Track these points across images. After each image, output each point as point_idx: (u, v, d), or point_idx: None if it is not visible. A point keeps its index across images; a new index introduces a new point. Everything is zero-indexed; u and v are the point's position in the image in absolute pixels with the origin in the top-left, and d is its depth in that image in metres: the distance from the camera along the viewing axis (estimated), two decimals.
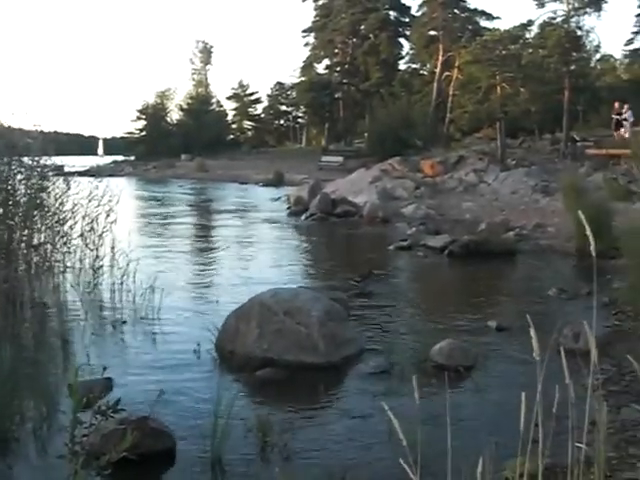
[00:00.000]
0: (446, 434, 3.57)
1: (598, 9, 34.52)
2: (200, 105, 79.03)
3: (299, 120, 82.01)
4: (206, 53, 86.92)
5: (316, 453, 5.63)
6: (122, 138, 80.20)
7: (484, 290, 12.48)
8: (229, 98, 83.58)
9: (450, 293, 12.73)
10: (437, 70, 50.36)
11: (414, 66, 64.73)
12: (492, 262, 14.88)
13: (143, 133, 75.89)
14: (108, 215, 12.13)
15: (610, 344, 8.36)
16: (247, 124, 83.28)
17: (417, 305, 11.39)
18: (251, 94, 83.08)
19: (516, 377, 7.25)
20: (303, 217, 24.07)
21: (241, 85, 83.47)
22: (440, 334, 8.59)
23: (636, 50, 35.16)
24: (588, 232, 3.19)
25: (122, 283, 10.90)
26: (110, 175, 48.44)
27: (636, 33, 34.39)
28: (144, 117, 76.63)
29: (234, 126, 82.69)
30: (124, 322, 9.44)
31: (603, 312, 10.06)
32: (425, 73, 59.81)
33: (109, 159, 69.29)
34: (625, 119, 32.56)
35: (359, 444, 5.80)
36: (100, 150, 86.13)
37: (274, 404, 6.77)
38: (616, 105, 34.76)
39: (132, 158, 70.03)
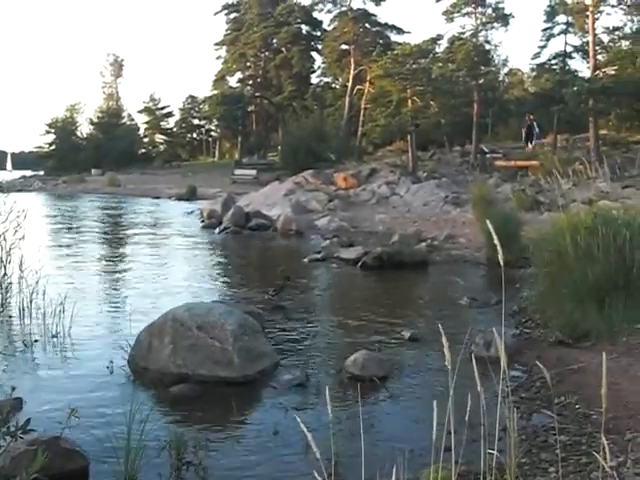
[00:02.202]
0: (359, 445, 3.58)
1: (505, 24, 35.45)
2: (111, 119, 78.12)
3: (212, 133, 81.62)
4: (117, 66, 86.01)
5: (232, 470, 5.59)
6: (31, 153, 78.62)
7: (397, 301, 12.61)
8: (141, 112, 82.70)
9: (364, 304, 12.80)
10: (349, 84, 50.74)
11: (326, 80, 65.20)
12: (405, 273, 15.05)
13: (53, 147, 74.55)
14: (16, 231, 11.80)
15: (520, 351, 8.54)
16: (159, 138, 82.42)
17: (332, 317, 11.43)
18: (163, 107, 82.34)
19: (429, 386, 7.35)
20: (217, 231, 23.95)
21: (152, 98, 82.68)
22: (355, 345, 8.65)
23: (543, 64, 35.99)
24: (496, 242, 3.25)
25: (32, 301, 10.59)
26: (19, 190, 47.38)
27: (542, 47, 35.20)
28: (53, 131, 75.26)
29: (146, 140, 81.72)
30: (35, 341, 9.20)
31: (512, 320, 10.28)
32: (337, 87, 60.23)
33: (18, 174, 67.76)
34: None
35: (275, 459, 5.78)
36: (8, 165, 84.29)
37: (189, 420, 6.68)
38: (526, 118, 35.73)
39: (41, 173, 68.64)
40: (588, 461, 5.21)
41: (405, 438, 6.04)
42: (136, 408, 5.82)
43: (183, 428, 6.25)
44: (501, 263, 3.31)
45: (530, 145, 34.04)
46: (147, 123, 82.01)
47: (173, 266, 16.53)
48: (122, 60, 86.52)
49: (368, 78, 43.85)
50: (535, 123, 33.70)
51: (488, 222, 3.65)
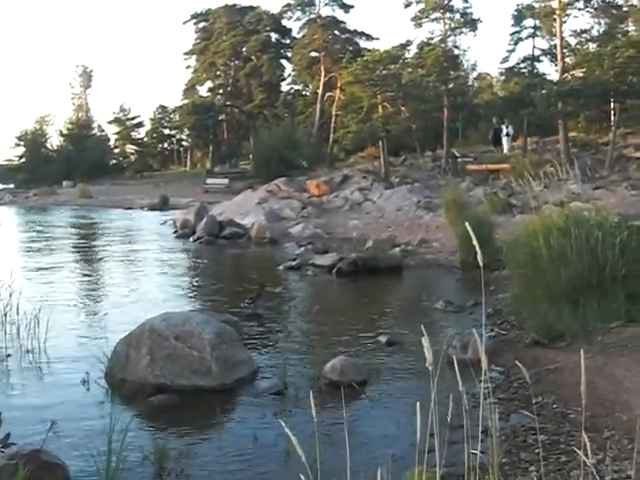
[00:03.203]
0: (342, 450, 3.61)
1: (474, 29, 35.68)
2: (81, 130, 77.50)
3: (183, 143, 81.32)
4: (86, 77, 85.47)
5: (212, 478, 5.60)
6: (1, 166, 77.89)
7: (373, 306, 12.64)
8: (111, 122, 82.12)
9: (340, 310, 12.83)
10: (319, 91, 50.81)
11: (297, 87, 65.25)
12: (380, 278, 15.10)
13: (22, 160, 73.89)
14: None
15: (497, 353, 8.60)
16: (130, 148, 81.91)
17: (309, 324, 11.45)
18: (133, 118, 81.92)
19: (408, 390, 7.40)
20: (191, 240, 23.92)
21: (122, 109, 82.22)
22: (332, 351, 8.66)
23: (511, 67, 36.27)
24: (475, 243, 3.28)
25: (5, 315, 10.49)
26: None
27: (511, 51, 35.49)
28: (23, 144, 74.68)
29: (117, 151, 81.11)
30: (8, 355, 9.11)
31: (488, 322, 10.34)
32: (308, 94, 60.23)
33: None
34: (507, 134, 33.71)
35: (256, 466, 5.79)
36: None
37: (169, 430, 6.67)
38: (493, 121, 35.98)
39: (12, 186, 68.03)
40: (567, 459, 5.27)
41: (386, 442, 6.07)
42: (116, 419, 5.80)
43: (164, 438, 6.25)
44: (480, 264, 3.35)
45: (505, 147, 34.20)
46: (117, 134, 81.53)
47: (148, 277, 16.46)
48: (91, 71, 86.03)
49: (338, 85, 43.97)
50: (508, 125, 33.86)
51: (467, 225, 3.69)
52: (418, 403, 3.27)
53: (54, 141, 78.01)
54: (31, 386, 7.95)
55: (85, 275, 17.32)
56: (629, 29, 34.49)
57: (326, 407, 6.84)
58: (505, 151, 33.33)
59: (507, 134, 33.85)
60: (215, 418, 6.81)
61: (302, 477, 3.05)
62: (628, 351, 7.59)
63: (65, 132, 77.67)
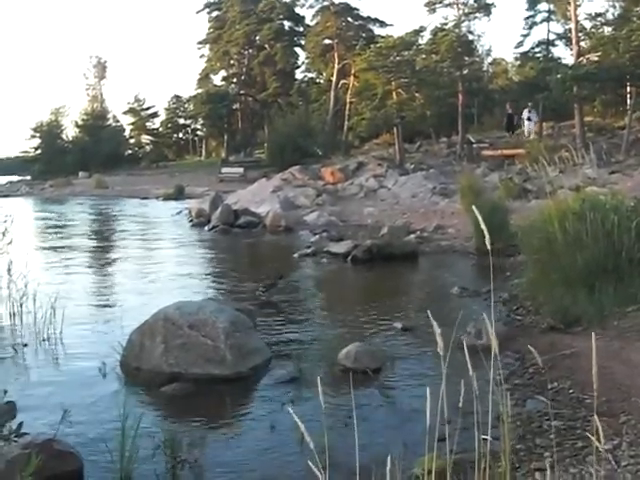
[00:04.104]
0: (353, 438, 3.58)
1: (488, 13, 35.43)
2: (96, 121, 77.52)
3: (198, 133, 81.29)
4: (100, 68, 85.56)
5: (227, 467, 5.58)
6: (17, 158, 78.17)
7: (388, 293, 12.62)
8: (126, 113, 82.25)
9: (355, 297, 12.81)
10: (333, 78, 50.70)
11: (311, 75, 65.12)
12: (395, 265, 15.04)
13: (38, 152, 74.02)
14: (4, 236, 11.73)
15: (512, 339, 8.55)
16: (145, 138, 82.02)
17: (323, 311, 11.44)
18: (148, 108, 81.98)
19: (422, 376, 7.36)
20: (206, 229, 23.93)
21: (137, 99, 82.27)
22: (347, 338, 8.65)
23: (526, 52, 36.02)
24: (483, 227, 3.24)
25: (22, 305, 10.52)
26: (6, 196, 47.31)
27: (525, 36, 35.24)
28: (39, 135, 74.84)
29: (132, 141, 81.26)
30: (25, 345, 9.14)
31: (504, 308, 10.30)
32: (322, 82, 60.05)
33: (4, 179, 67.35)
34: (529, 119, 33.46)
35: (270, 454, 5.78)
36: None
37: (183, 419, 6.67)
38: (507, 107, 35.77)
39: (28, 178, 68.25)
40: (583, 445, 5.22)
41: (399, 428, 6.05)
42: (129, 408, 5.81)
43: (177, 427, 6.25)
44: (488, 248, 3.30)
45: (526, 131, 33.94)
46: (132, 124, 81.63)
47: (163, 265, 16.47)
48: (105, 62, 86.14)
49: (352, 72, 43.86)
50: (530, 110, 33.56)
51: (475, 210, 3.64)
52: (428, 390, 3.24)
53: (69, 132, 78.09)
54: (46, 375, 7.96)
55: (100, 265, 17.38)
56: None
57: (340, 394, 6.81)
58: (527, 136, 33.05)
59: (529, 119, 33.56)
60: (229, 407, 6.79)
61: (310, 464, 3.01)
62: None
63: (80, 123, 77.72)
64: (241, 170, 45.25)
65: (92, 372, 7.89)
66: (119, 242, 22.09)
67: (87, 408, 6.75)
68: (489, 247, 3.22)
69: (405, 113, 34.82)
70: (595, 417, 3.08)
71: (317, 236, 19.71)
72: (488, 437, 3.34)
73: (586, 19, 33.84)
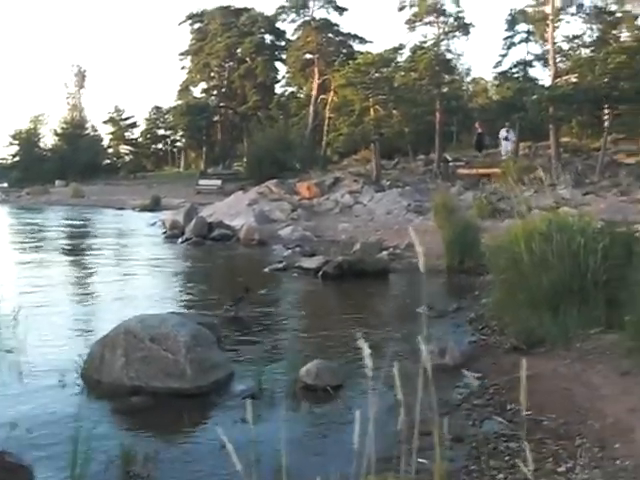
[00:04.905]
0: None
1: (466, 33, 35.72)
2: (75, 130, 77.30)
3: (177, 144, 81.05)
4: (80, 77, 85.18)
5: None
6: None
7: (356, 310, 12.58)
8: (105, 122, 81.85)
9: (322, 314, 12.79)
10: (313, 93, 50.76)
11: (291, 89, 65.12)
12: (366, 282, 15.00)
13: (16, 159, 73.79)
14: None
15: (476, 358, 8.56)
16: (124, 148, 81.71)
17: (289, 327, 11.39)
18: (127, 118, 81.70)
19: (383, 395, 7.30)
20: (179, 241, 23.80)
21: (117, 109, 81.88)
22: (310, 355, 8.60)
23: (504, 72, 36.30)
24: (418, 249, 3.20)
25: None
26: None
27: (504, 56, 35.54)
28: (17, 142, 74.55)
29: (111, 151, 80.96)
30: None
31: (470, 327, 10.31)
32: (302, 96, 60.13)
33: None
34: (506, 138, 33.67)
35: (225, 472, 5.71)
36: None
37: (140, 433, 6.61)
38: (476, 125, 36.12)
39: (5, 185, 67.84)
40: (537, 467, 5.20)
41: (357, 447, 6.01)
42: (87, 421, 5.75)
43: (134, 440, 6.19)
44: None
45: (502, 151, 34.10)
46: (112, 134, 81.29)
47: (133, 277, 16.38)
48: (85, 71, 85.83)
49: (332, 87, 43.93)
50: (508, 130, 33.73)
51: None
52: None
53: (48, 140, 77.93)
54: (6, 387, 7.85)
55: (70, 275, 17.24)
56: (621, 35, 34.48)
57: (300, 411, 6.78)
58: (503, 155, 33.23)
59: (506, 138, 33.76)
60: (187, 421, 6.74)
61: None
62: (607, 358, 7.54)
63: (59, 132, 77.50)
64: (219, 182, 45.17)
65: (51, 384, 7.82)
66: (90, 252, 21.90)
67: (42, 421, 6.67)
68: (422, 266, 3.18)
69: (383, 130, 34.89)
70: (525, 443, 3.03)
71: (290, 251, 19.67)
72: (425, 460, 3.30)
73: (564, 41, 34.25)
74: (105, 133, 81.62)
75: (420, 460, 3.20)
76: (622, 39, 33.30)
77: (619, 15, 34.00)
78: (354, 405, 7.17)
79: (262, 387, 7.61)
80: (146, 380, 7.57)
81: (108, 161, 77.53)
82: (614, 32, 34.16)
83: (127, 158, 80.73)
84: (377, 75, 33.63)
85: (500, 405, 6.84)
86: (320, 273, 15.59)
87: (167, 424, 6.91)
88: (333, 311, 12.85)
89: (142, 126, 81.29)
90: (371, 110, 33.83)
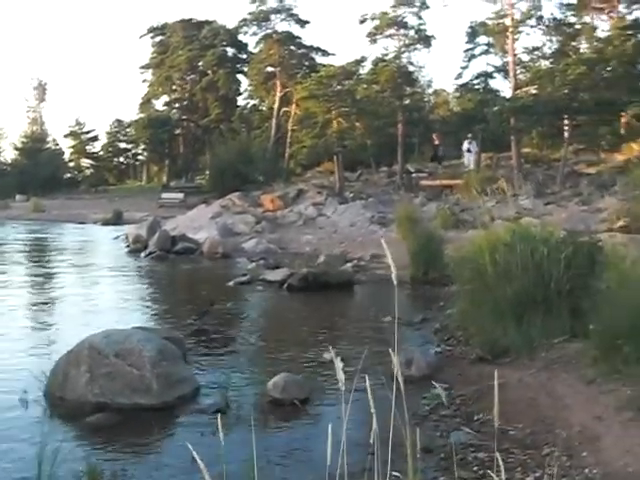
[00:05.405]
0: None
1: (428, 45, 35.99)
2: (35, 144, 76.73)
3: (139, 157, 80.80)
4: (41, 90, 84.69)
5: None
6: None
7: (321, 322, 12.56)
8: (66, 136, 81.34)
9: (288, 327, 12.74)
10: (275, 106, 50.78)
11: (253, 102, 65.03)
12: (330, 294, 15.00)
13: None
14: None
15: (442, 369, 8.58)
16: (85, 162, 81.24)
17: (255, 340, 11.32)
18: (89, 131, 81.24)
19: (351, 408, 7.28)
20: (142, 255, 23.60)
21: (78, 122, 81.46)
22: (277, 368, 8.56)
23: (465, 84, 36.57)
24: (389, 260, 3.20)
25: None
26: None
27: (464, 68, 35.81)
28: None
29: (72, 165, 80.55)
30: None
31: (435, 338, 10.33)
32: (264, 109, 60.15)
33: None
34: (469, 150, 33.90)
35: None
36: None
37: (106, 450, 6.52)
38: (434, 136, 36.41)
39: None
40: (507, 477, 5.21)
41: (324, 462, 5.97)
42: (51, 440, 5.66)
43: (99, 458, 6.12)
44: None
45: (465, 162, 34.32)
46: (73, 147, 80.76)
47: (96, 292, 16.22)
48: (46, 84, 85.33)
49: (294, 100, 43.98)
50: (470, 142, 33.92)
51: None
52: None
53: (8, 155, 77.29)
54: None
55: (31, 290, 16.98)
56: (580, 47, 34.93)
57: (267, 426, 6.74)
58: (466, 167, 33.43)
59: (468, 150, 33.97)
60: (154, 437, 6.67)
61: None
62: (571, 367, 7.59)
63: (19, 146, 76.89)
64: (181, 196, 45.05)
65: (13, 402, 7.66)
66: (51, 268, 21.63)
67: (4, 440, 6.55)
68: (395, 278, 3.18)
69: (346, 142, 35.02)
70: (496, 454, 3.03)
71: (254, 263, 19.61)
72: (398, 474, 3.29)
73: (524, 52, 34.59)
74: (66, 147, 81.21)
75: (395, 474, 3.18)
76: (581, 51, 33.75)
77: (578, 27, 34.46)
78: (322, 419, 7.17)
79: (229, 401, 7.55)
80: (111, 396, 7.48)
81: (69, 175, 77.07)
82: (573, 44, 34.59)
83: (88, 172, 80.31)
84: (339, 87, 33.82)
85: (467, 416, 6.85)
86: (285, 285, 15.58)
87: (134, 440, 6.82)
88: (299, 324, 12.79)
89: (103, 139, 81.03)
90: (334, 122, 33.95)
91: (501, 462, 2.91)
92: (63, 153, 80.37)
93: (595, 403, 6.43)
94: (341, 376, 2.98)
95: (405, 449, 3.60)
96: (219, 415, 7.14)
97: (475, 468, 5.42)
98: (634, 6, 33.49)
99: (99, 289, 16.72)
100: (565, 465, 5.32)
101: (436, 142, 36.79)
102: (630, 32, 31.36)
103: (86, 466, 5.63)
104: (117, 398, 7.47)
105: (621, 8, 35.73)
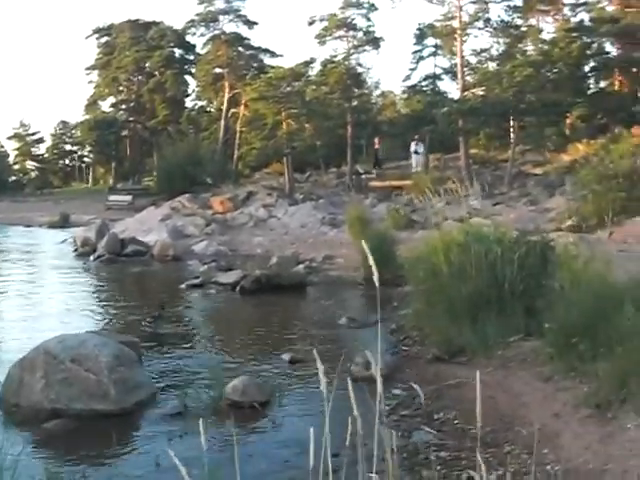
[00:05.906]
0: (243, 473, 3.48)
1: (376, 47, 36.13)
2: None
3: (85, 159, 79.82)
4: None
5: None
6: None
7: (277, 324, 12.57)
8: (10, 138, 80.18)
9: (243, 329, 12.70)
10: (224, 107, 50.50)
11: (201, 103, 64.70)
12: (284, 295, 14.98)
13: None
14: None
15: (400, 369, 8.63)
16: (30, 164, 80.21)
17: (211, 343, 11.26)
18: (34, 133, 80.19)
19: (310, 409, 7.30)
20: (91, 258, 23.29)
21: (22, 124, 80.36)
22: (235, 371, 8.54)
23: (413, 86, 36.85)
24: (371, 262, 3.21)
25: None
26: None
27: (413, 69, 36.11)
28: None
29: (16, 167, 79.46)
30: None
31: (392, 338, 10.37)
32: (212, 110, 59.84)
33: None
34: (416, 152, 34.08)
35: None
36: None
37: (64, 457, 6.45)
38: (376, 141, 36.66)
39: None
40: (469, 477, 5.25)
41: (286, 465, 5.97)
42: (6, 447, 5.55)
43: (57, 465, 6.05)
44: (376, 283, 3.27)
45: (413, 164, 34.52)
46: (17, 150, 79.67)
47: (45, 297, 15.99)
48: None
49: (243, 101, 43.82)
50: (417, 143, 34.10)
51: (363, 242, 3.60)
52: (313, 425, 3.18)
53: None
54: None
55: None
56: (527, 49, 35.42)
57: (226, 429, 6.70)
58: (414, 168, 33.61)
59: (416, 151, 34.15)
60: (112, 443, 6.58)
61: None
62: (528, 365, 7.69)
63: None
64: (129, 198, 44.55)
65: None
66: None
67: None
68: (377, 280, 3.18)
69: (295, 143, 35.00)
70: (478, 455, 3.05)
71: (206, 266, 19.46)
72: (374, 474, 3.28)
73: (472, 54, 35.05)
74: (11, 149, 79.90)
75: (370, 475, 3.18)
76: (528, 53, 34.20)
77: (524, 29, 34.92)
78: (283, 421, 7.16)
79: (187, 405, 7.51)
80: (67, 402, 7.39)
81: (14, 177, 75.80)
82: (520, 46, 35.06)
83: (33, 174, 79.15)
84: (289, 89, 33.75)
85: (427, 415, 6.89)
86: (238, 288, 15.53)
87: (92, 447, 6.75)
88: (253, 325, 12.76)
89: (49, 141, 79.93)
90: (283, 124, 33.89)
91: (482, 463, 2.90)
92: (8, 155, 79.17)
93: (553, 400, 6.52)
94: (323, 379, 2.96)
95: (371, 450, 3.61)
96: (177, 419, 7.21)
97: (439, 467, 5.45)
98: (578, 9, 34.06)
99: (49, 294, 16.47)
100: (527, 462, 5.37)
101: (376, 146, 37.03)
102: (575, 34, 31.92)
103: (45, 474, 5.55)
104: (73, 404, 7.39)
105: (566, 10, 36.33)
